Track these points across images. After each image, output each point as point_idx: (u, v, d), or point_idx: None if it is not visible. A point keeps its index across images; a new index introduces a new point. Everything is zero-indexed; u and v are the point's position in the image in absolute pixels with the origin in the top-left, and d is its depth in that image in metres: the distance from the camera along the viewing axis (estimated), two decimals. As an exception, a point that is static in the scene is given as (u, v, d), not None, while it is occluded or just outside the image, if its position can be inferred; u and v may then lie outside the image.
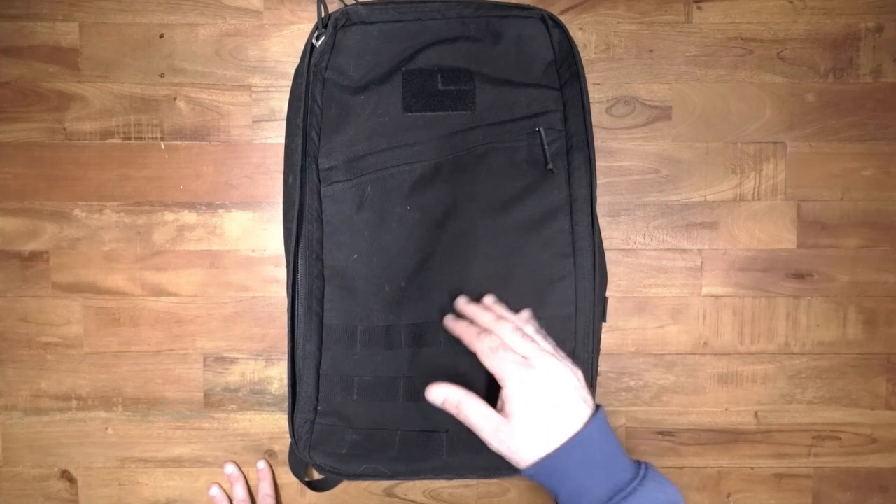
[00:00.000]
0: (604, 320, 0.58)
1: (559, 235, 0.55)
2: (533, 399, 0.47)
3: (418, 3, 0.56)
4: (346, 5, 0.56)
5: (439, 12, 0.55)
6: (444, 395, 0.49)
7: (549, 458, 0.46)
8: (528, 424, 0.46)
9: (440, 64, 0.55)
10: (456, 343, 0.53)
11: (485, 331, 0.50)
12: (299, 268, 0.55)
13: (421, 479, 0.57)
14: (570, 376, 0.48)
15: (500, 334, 0.49)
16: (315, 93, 0.55)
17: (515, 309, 0.53)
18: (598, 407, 0.48)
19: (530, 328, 0.51)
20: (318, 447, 0.56)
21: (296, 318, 0.55)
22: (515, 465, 0.48)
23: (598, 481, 0.45)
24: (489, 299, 0.54)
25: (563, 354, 0.50)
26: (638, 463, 0.46)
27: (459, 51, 0.56)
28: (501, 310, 0.52)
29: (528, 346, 0.48)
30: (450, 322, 0.53)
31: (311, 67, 0.55)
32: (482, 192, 0.55)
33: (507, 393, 0.47)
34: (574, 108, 0.56)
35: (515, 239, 0.55)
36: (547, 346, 0.50)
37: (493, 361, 0.48)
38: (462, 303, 0.54)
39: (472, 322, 0.52)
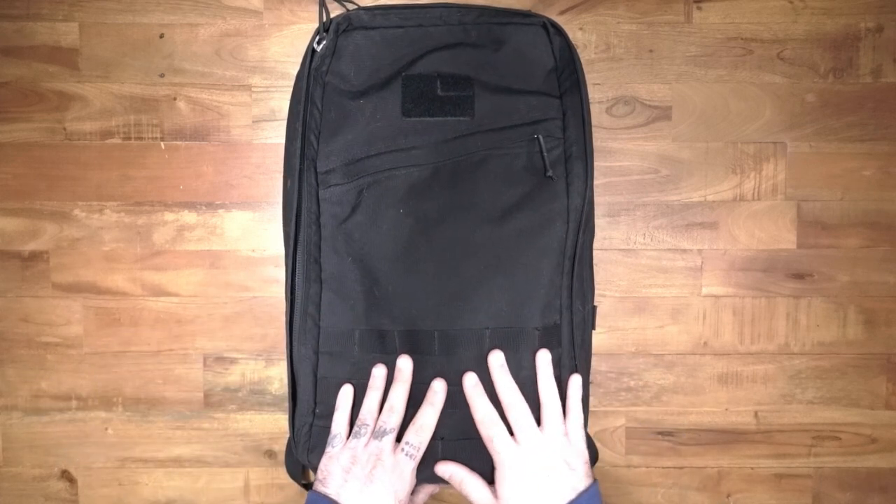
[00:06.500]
0: (593, 328, 0.59)
1: (555, 244, 0.55)
2: (520, 483, 0.52)
3: (420, 8, 0.55)
4: (347, 10, 0.56)
5: (441, 18, 0.55)
6: (450, 472, 0.55)
7: None
8: None
9: (440, 70, 0.55)
10: (450, 352, 0.54)
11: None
12: (297, 271, 0.55)
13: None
14: (556, 455, 0.53)
15: (495, 431, 0.54)
16: (315, 97, 0.55)
17: (513, 317, 0.54)
18: (592, 483, 0.52)
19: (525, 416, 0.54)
20: (316, 450, 0.56)
21: (293, 323, 0.55)
22: None
23: None
24: (497, 360, 0.55)
25: (562, 428, 0.54)
26: None
27: (460, 57, 0.55)
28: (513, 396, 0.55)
29: (526, 427, 0.53)
30: (470, 388, 0.55)
31: (311, 71, 0.55)
32: (479, 198, 0.55)
33: (498, 475, 0.53)
34: (574, 117, 0.55)
35: (511, 246, 0.55)
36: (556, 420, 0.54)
37: (491, 445, 0.54)
38: (470, 385, 0.55)
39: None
